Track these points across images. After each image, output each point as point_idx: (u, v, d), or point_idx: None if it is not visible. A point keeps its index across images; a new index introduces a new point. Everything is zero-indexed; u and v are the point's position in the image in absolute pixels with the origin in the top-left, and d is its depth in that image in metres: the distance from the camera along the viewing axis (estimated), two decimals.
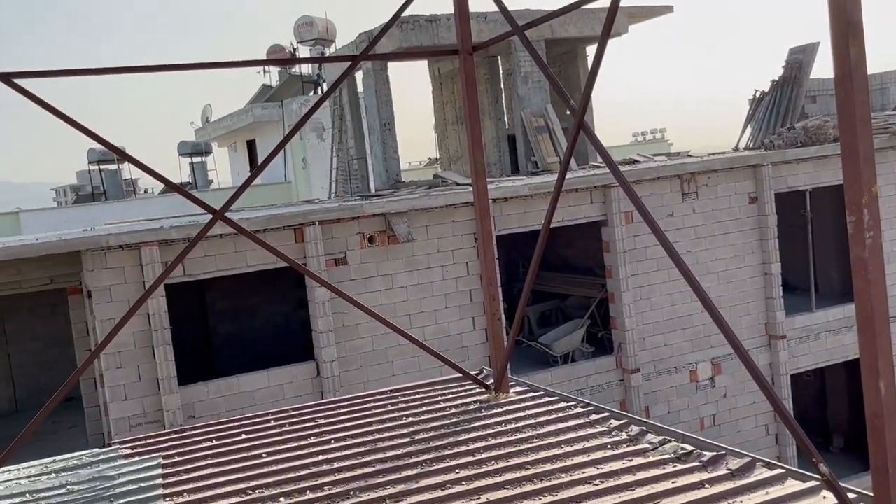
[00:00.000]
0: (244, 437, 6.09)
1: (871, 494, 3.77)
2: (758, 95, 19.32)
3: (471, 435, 5.70)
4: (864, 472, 15.71)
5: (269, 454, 5.66)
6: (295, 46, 29.28)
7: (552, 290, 16.78)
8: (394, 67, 27.36)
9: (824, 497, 4.20)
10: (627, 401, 13.76)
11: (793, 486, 4.40)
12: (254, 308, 15.88)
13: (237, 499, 4.90)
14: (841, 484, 4.16)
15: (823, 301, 15.71)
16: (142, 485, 5.21)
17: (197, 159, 29.01)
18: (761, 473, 4.59)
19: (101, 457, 5.89)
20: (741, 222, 14.61)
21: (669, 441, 5.20)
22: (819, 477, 4.09)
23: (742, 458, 4.76)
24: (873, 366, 3.58)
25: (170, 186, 5.77)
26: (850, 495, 4.06)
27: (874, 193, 3.52)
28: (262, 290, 15.58)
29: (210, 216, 5.78)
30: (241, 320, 15.82)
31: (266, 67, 30.77)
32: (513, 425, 5.85)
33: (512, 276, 18.11)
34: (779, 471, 4.57)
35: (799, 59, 18.43)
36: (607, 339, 14.54)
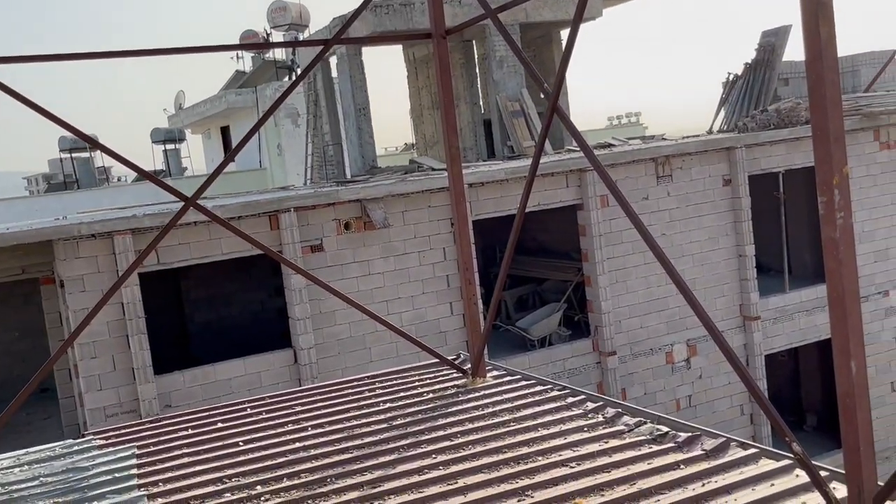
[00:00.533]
0: (220, 425, 6.06)
1: (843, 472, 3.82)
2: (731, 78, 19.42)
3: (448, 420, 5.71)
4: (837, 449, 15.94)
5: (245, 442, 5.63)
6: (268, 31, 29.00)
7: (529, 275, 16.82)
8: (368, 52, 27.20)
9: (797, 475, 4.25)
10: (604, 383, 13.85)
11: (766, 465, 4.45)
12: (230, 296, 15.79)
13: (213, 487, 4.88)
14: (813, 462, 4.21)
15: (796, 282, 15.87)
16: (116, 475, 5.17)
17: (170, 146, 28.73)
18: (736, 453, 4.64)
19: (75, 448, 5.84)
20: (715, 205, 14.70)
21: (645, 423, 5.24)
22: (792, 456, 4.13)
23: (717, 438, 4.80)
24: (844, 346, 3.62)
25: (141, 174, 5.70)
26: (823, 473, 4.11)
27: (845, 174, 3.55)
28: (237, 277, 15.49)
29: (182, 204, 5.72)
30: (217, 308, 15.72)
31: (239, 53, 30.49)
32: (490, 409, 5.86)
33: (489, 260, 18.12)
34: (753, 451, 4.61)
35: (771, 42, 18.52)
36: (584, 323, 14.61)
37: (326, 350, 12.19)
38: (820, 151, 3.54)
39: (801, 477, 4.19)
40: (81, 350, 10.92)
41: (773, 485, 4.19)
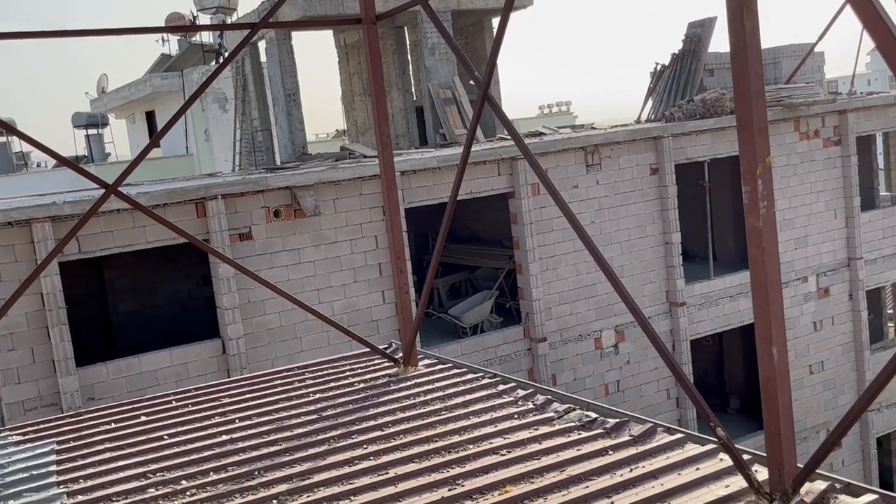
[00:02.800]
0: (144, 419, 5.91)
1: (765, 455, 3.92)
2: (659, 69, 19.73)
3: (379, 409, 5.68)
4: (759, 431, 16.47)
5: (170, 436, 5.50)
6: (195, 14, 28.26)
7: (461, 262, 16.86)
8: (299, 37, 26.76)
9: (721, 459, 4.35)
10: (535, 369, 13.99)
11: (692, 449, 4.54)
12: (156, 285, 15.38)
13: (136, 483, 4.75)
14: (736, 446, 4.30)
15: (721, 268, 16.27)
16: (34, 472, 4.99)
17: (93, 131, 27.79)
18: (662, 438, 4.72)
19: None
20: (643, 193, 14.94)
21: (574, 409, 5.29)
22: (716, 440, 4.22)
23: (644, 424, 4.88)
24: (767, 332, 3.70)
25: (59, 160, 5.48)
26: (745, 457, 4.21)
27: (768, 164, 3.62)
28: (164, 266, 15.10)
29: (103, 191, 5.52)
30: (142, 298, 15.31)
31: (165, 36, 29.66)
32: (421, 398, 5.85)
33: (422, 249, 18.10)
34: (678, 435, 4.70)
35: (697, 34, 18.88)
36: (515, 310, 14.72)
37: (256, 340, 11.99)
38: (744, 142, 3.60)
39: (725, 461, 4.29)
40: None
41: (698, 469, 4.28)
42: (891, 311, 20.59)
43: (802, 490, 3.80)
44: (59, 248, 5.39)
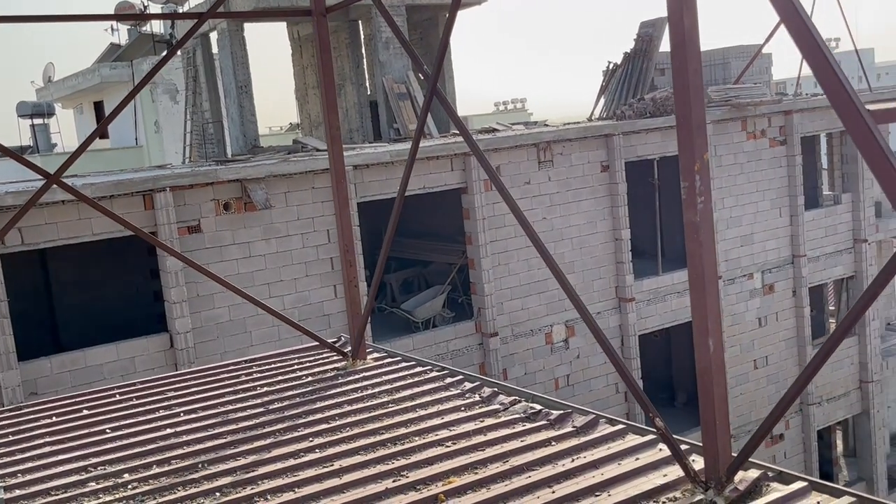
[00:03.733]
0: (86, 412, 5.82)
1: (701, 444, 4.01)
2: (611, 67, 19.97)
3: (326, 403, 5.68)
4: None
5: (113, 429, 5.44)
6: (145, 3, 27.82)
7: (414, 257, 16.88)
8: (252, 29, 26.49)
9: (660, 449, 4.45)
10: (486, 364, 14.07)
11: (633, 440, 4.63)
12: (102, 278, 15.11)
13: (77, 477, 4.68)
14: (675, 437, 4.40)
15: (669, 265, 16.53)
16: None
17: (38, 121, 27.16)
18: (604, 429, 4.80)
19: None
20: (594, 190, 15.12)
21: (520, 401, 5.35)
22: (656, 431, 4.31)
23: (587, 415, 4.96)
24: (703, 325, 3.79)
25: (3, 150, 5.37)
26: (683, 447, 4.31)
27: (705, 161, 3.70)
28: (110, 259, 14.84)
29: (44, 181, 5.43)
30: (88, 291, 15.03)
31: (114, 25, 29.10)
32: (369, 391, 5.86)
33: (376, 243, 18.05)
34: (620, 426, 4.79)
35: (649, 33, 19.15)
36: (467, 305, 14.79)
37: (204, 334, 11.87)
38: (683, 138, 3.69)
39: (664, 451, 4.38)
40: None
41: (637, 459, 4.36)
42: (832, 308, 21.13)
43: (736, 478, 3.90)
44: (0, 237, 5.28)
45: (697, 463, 4.10)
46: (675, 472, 4.12)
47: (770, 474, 4.00)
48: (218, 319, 11.96)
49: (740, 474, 3.95)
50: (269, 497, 4.24)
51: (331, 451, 4.79)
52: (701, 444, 4.06)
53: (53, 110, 28.36)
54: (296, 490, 4.30)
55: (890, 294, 22.93)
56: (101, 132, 5.46)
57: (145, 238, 6.19)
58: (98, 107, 29.04)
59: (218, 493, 4.32)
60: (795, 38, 2.82)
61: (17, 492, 4.51)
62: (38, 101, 28.69)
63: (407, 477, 4.35)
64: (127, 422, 5.56)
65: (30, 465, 4.92)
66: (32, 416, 5.82)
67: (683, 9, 3.49)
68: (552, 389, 14.82)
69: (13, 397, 10.46)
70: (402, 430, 5.04)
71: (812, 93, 22.48)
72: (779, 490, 3.85)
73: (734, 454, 3.88)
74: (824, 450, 19.66)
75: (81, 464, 4.86)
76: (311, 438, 5.01)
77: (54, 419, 5.74)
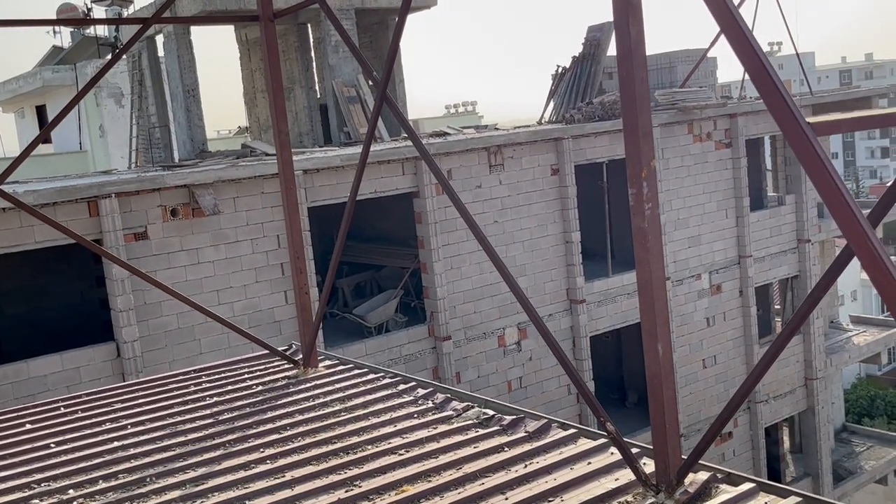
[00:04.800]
0: (29, 427, 5.67)
1: (647, 446, 4.06)
2: (560, 71, 20.13)
3: (277, 412, 5.61)
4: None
5: (57, 444, 5.31)
6: (89, 6, 27.23)
7: (367, 262, 16.80)
8: (200, 32, 26.14)
9: (612, 453, 4.48)
10: (440, 368, 14.07)
11: (584, 444, 4.66)
12: (46, 287, 14.76)
13: (20, 494, 4.56)
14: (627, 439, 4.44)
15: (619, 266, 16.72)
16: None
17: None
18: (556, 434, 4.83)
19: None
20: (544, 193, 15.23)
21: (473, 407, 5.35)
22: (607, 435, 4.35)
23: (539, 420, 4.98)
24: (652, 329, 3.83)
25: None
26: (634, 450, 4.35)
27: (652, 168, 3.75)
28: (54, 267, 14.50)
29: None
30: (31, 300, 14.67)
31: (57, 28, 28.43)
32: (321, 400, 5.81)
33: (327, 248, 17.92)
34: (572, 431, 4.82)
35: (597, 37, 19.35)
36: (420, 309, 14.77)
37: (152, 343, 11.65)
38: (630, 146, 3.72)
39: (616, 454, 4.42)
40: None
41: (590, 463, 4.39)
42: (778, 307, 21.59)
43: (687, 481, 3.95)
44: None
45: (649, 466, 4.14)
46: (626, 475, 4.16)
47: (719, 476, 4.06)
48: (166, 328, 11.76)
49: (690, 476, 4.00)
50: None
51: (282, 461, 4.74)
52: (650, 447, 4.11)
53: None
54: (246, 502, 4.23)
55: (832, 293, 23.53)
56: (44, 137, 5.33)
57: (88, 246, 6.05)
58: (40, 111, 28.37)
59: None
60: (737, 51, 2.86)
61: None
62: None
63: (360, 486, 4.32)
64: (72, 435, 5.42)
65: None
66: None
67: (630, 19, 3.53)
68: (505, 392, 14.88)
69: None
70: (355, 439, 5.01)
71: (756, 96, 22.94)
72: (728, 492, 3.91)
73: (685, 456, 3.94)
74: (772, 446, 20.07)
75: (24, 480, 4.73)
76: (261, 449, 4.95)
77: None
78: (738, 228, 17.94)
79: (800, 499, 3.73)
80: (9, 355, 12.50)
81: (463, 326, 14.32)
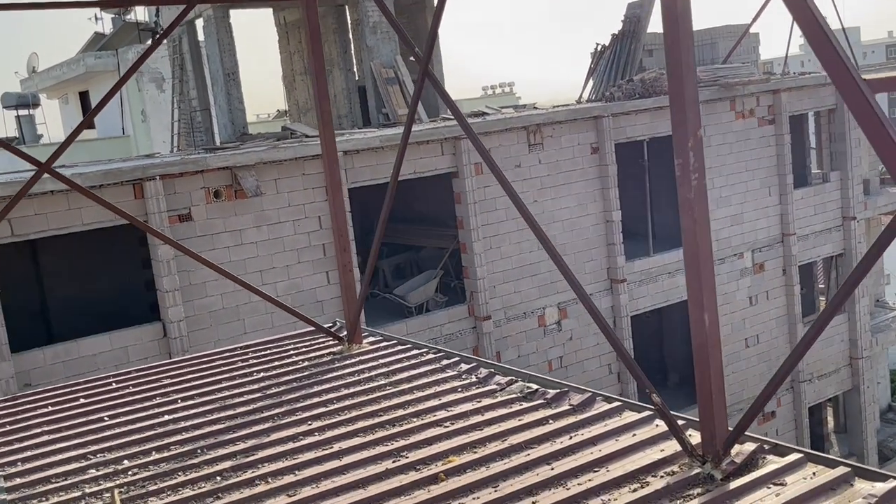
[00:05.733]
0: (83, 401, 5.82)
1: (697, 420, 4.06)
2: (599, 49, 19.94)
3: (323, 387, 5.69)
4: (693, 404, 16.91)
5: (110, 417, 5.45)
6: None
7: (406, 242, 16.88)
8: (239, 15, 26.28)
9: (657, 425, 4.48)
10: (480, 347, 14.11)
11: (629, 416, 4.67)
12: (94, 269, 15.04)
13: (76, 464, 4.69)
14: (672, 413, 4.44)
15: (660, 245, 16.58)
16: None
17: (23, 112, 26.95)
18: (601, 407, 4.84)
19: None
20: (584, 172, 15.13)
21: (516, 381, 5.38)
22: (653, 407, 4.35)
23: (583, 393, 4.99)
24: (699, 299, 3.82)
25: None
26: (680, 422, 4.35)
27: (699, 137, 3.72)
28: (102, 249, 14.76)
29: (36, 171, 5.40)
30: (80, 282, 14.96)
31: (98, 14, 28.88)
32: (366, 374, 5.88)
33: (368, 229, 18.04)
34: (616, 404, 4.83)
35: (637, 14, 19.12)
36: (460, 289, 14.81)
37: (198, 323, 11.85)
38: (676, 115, 3.70)
39: (661, 426, 4.42)
40: None
41: (634, 435, 4.40)
42: (822, 286, 21.26)
43: (733, 452, 3.94)
44: None
45: (694, 438, 4.14)
46: (672, 447, 4.16)
47: (766, 447, 4.05)
48: (211, 308, 11.95)
49: (736, 448, 3.99)
50: (269, 479, 4.26)
51: (329, 433, 4.81)
52: (697, 420, 4.10)
53: (38, 101, 28.16)
54: (296, 472, 4.32)
55: (878, 271, 23.10)
56: (88, 122, 5.44)
57: (139, 226, 6.18)
58: (84, 97, 28.84)
59: (218, 477, 4.34)
60: (792, 11, 2.83)
61: (18, 480, 4.52)
62: (23, 92, 28.47)
63: (407, 457, 4.38)
64: (124, 409, 5.56)
65: (28, 454, 4.92)
66: (29, 406, 5.82)
67: None
68: (545, 371, 14.88)
69: (7, 388, 10.44)
70: (401, 412, 5.07)
71: (799, 72, 22.51)
72: (775, 462, 3.90)
73: (730, 429, 3.93)
74: (815, 426, 19.83)
75: (80, 451, 4.87)
76: (309, 422, 5.03)
77: (51, 408, 5.74)
78: (782, 206, 17.66)
79: (847, 469, 3.71)
80: (59, 336, 12.80)
81: (503, 306, 14.34)
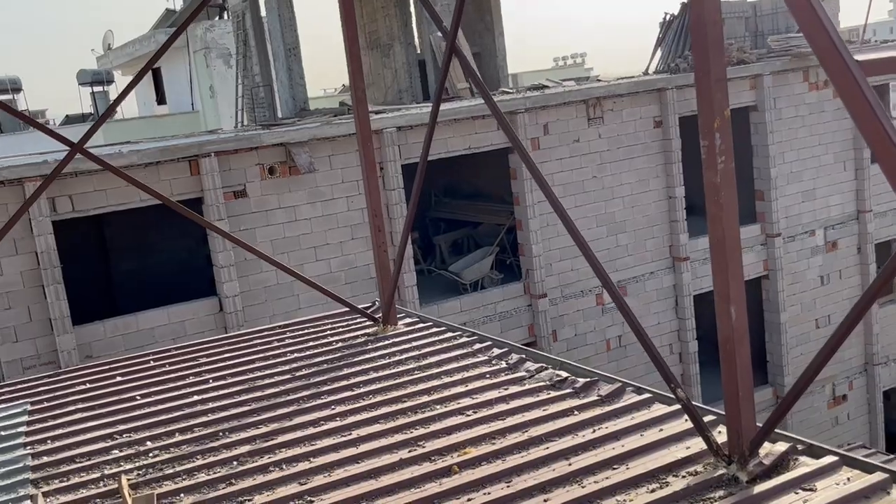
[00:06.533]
0: (119, 379, 5.90)
1: (724, 413, 3.83)
2: (667, 19, 19.28)
3: (353, 369, 5.64)
4: (763, 385, 16.41)
5: (143, 396, 5.50)
6: None
7: (464, 219, 16.73)
8: None
9: (686, 420, 4.26)
10: (535, 325, 13.93)
11: (658, 409, 4.47)
12: (156, 243, 15.38)
13: (102, 444, 4.74)
14: (701, 406, 4.23)
15: None
16: (3, 433, 5.00)
17: (98, 89, 27.67)
18: (630, 399, 4.65)
19: None
20: (646, 146, 14.70)
21: (546, 368, 5.22)
22: (677, 400, 4.13)
23: (613, 383, 4.81)
24: (725, 290, 3.59)
25: (25, 120, 5.40)
26: (710, 417, 4.13)
27: (726, 117, 3.47)
28: (164, 224, 15.05)
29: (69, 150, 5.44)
30: (143, 256, 15.33)
31: None
32: (396, 357, 5.80)
33: (425, 205, 17.96)
34: (646, 395, 4.62)
35: None
36: (516, 266, 14.62)
37: (253, 298, 11.98)
38: (702, 93, 3.46)
39: (690, 422, 4.20)
40: None
41: (661, 430, 4.20)
42: None
43: (762, 451, 3.72)
44: (24, 208, 5.37)
45: (724, 435, 3.92)
46: (698, 444, 3.95)
47: (799, 447, 3.81)
48: (265, 283, 12.06)
49: (767, 446, 3.76)
50: (284, 466, 4.21)
51: (351, 419, 4.75)
52: (723, 413, 3.88)
53: (113, 78, 28.85)
54: (311, 460, 4.26)
55: None
56: (113, 109, 5.45)
57: (173, 207, 6.20)
58: (156, 73, 29.41)
59: (235, 462, 4.32)
60: None
61: (45, 458, 4.59)
62: (98, 69, 29.21)
63: (423, 447, 4.28)
64: (156, 388, 5.61)
65: (59, 431, 5.00)
66: (68, 383, 5.93)
67: None
68: (604, 350, 14.63)
69: (69, 360, 10.75)
70: (425, 398, 4.97)
71: (883, 39, 21.40)
72: (807, 465, 3.66)
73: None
74: (891, 410, 19.04)
75: (108, 431, 4.92)
76: (332, 406, 4.98)
77: (88, 385, 5.83)
78: (857, 182, 16.86)
79: (885, 475, 3.45)
80: (124, 308, 13.13)
81: (559, 284, 14.10)
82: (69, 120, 27.62)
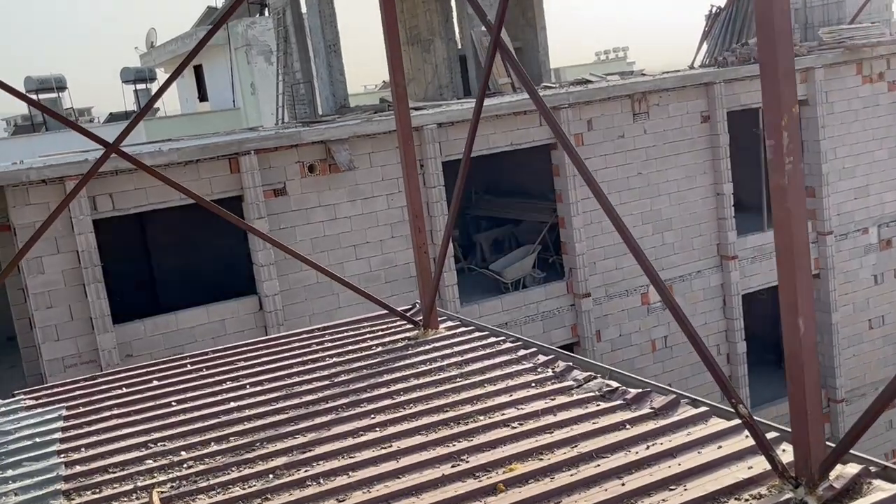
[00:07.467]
0: (155, 383, 5.79)
1: (790, 430, 3.57)
2: (714, 11, 18.83)
3: (393, 376, 5.45)
4: None
5: (178, 402, 5.38)
6: None
7: (505, 216, 16.49)
8: None
9: (746, 436, 4.00)
10: (578, 325, 13.65)
11: (716, 424, 4.21)
12: (198, 241, 15.37)
13: (137, 453, 4.62)
14: (766, 422, 3.97)
15: None
16: (37, 440, 4.91)
17: (141, 86, 27.91)
18: (685, 412, 4.40)
19: (2, 409, 5.56)
20: (693, 142, 14.32)
21: (595, 377, 4.98)
22: (739, 417, 3.87)
23: (667, 395, 4.56)
24: (793, 302, 3.33)
25: (56, 118, 5.30)
26: (773, 434, 3.87)
27: (795, 114, 3.21)
28: (205, 222, 15.03)
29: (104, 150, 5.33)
30: (185, 254, 15.33)
31: None
32: (437, 364, 5.61)
33: (465, 202, 17.74)
34: (703, 409, 4.37)
35: None
36: (559, 265, 14.35)
37: (293, 296, 11.89)
38: (768, 89, 3.20)
39: (751, 438, 3.94)
40: (36, 300, 10.59)
41: (720, 447, 3.95)
42: None
43: (833, 474, 3.45)
44: (62, 207, 5.27)
45: (789, 453, 3.66)
46: (761, 463, 3.69)
47: (873, 469, 3.53)
48: (305, 282, 11.96)
49: (838, 468, 3.49)
50: (321, 481, 4.04)
51: (391, 429, 4.56)
52: (789, 430, 3.62)
53: (155, 75, 29.07)
54: (349, 474, 4.09)
55: None
56: (148, 108, 5.33)
57: (206, 206, 6.08)
58: (198, 70, 29.59)
59: (271, 475, 4.16)
60: None
61: (77, 468, 4.48)
62: (141, 67, 29.46)
63: (467, 462, 4.08)
64: (193, 394, 5.48)
65: (94, 438, 4.89)
66: (104, 387, 5.84)
67: None
68: (649, 351, 14.30)
69: (110, 359, 10.75)
70: (468, 408, 4.76)
71: None
72: (883, 489, 3.39)
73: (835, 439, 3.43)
74: None
75: (143, 439, 4.80)
76: (372, 415, 4.80)
77: (124, 390, 5.73)
78: None
79: None
80: (166, 307, 13.14)
81: (603, 283, 13.79)
82: (113, 118, 27.88)
